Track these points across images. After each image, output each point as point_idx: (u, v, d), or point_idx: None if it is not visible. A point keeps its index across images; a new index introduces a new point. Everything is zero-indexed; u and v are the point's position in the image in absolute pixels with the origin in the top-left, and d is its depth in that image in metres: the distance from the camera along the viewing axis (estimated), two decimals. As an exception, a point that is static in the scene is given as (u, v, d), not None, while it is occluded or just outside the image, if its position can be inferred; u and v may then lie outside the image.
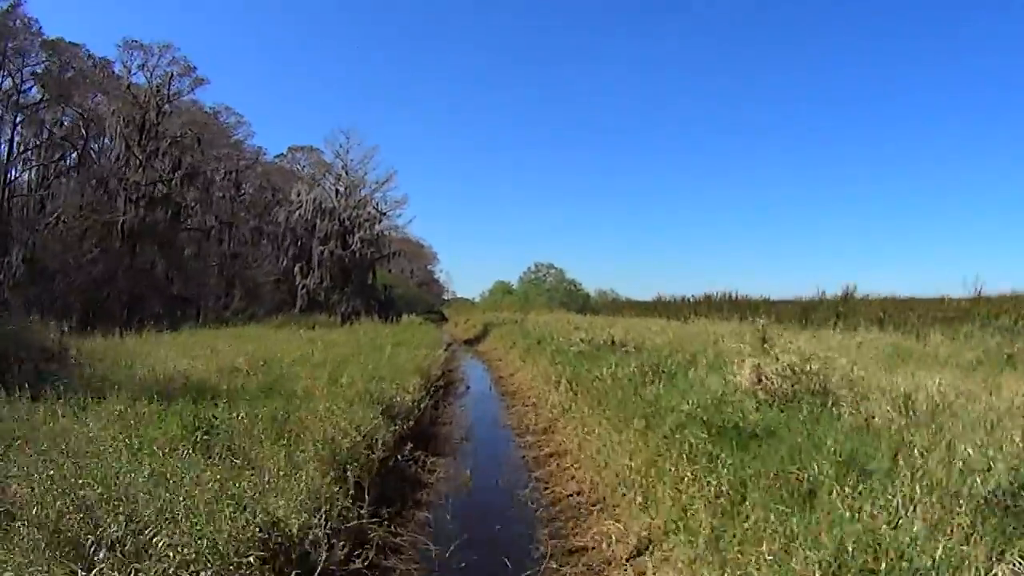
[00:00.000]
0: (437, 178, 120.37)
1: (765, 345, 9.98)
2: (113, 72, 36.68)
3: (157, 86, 33.41)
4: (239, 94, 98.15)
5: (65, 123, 38.39)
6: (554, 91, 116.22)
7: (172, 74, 32.42)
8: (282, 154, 56.95)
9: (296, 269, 32.53)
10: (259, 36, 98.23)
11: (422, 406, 10.86)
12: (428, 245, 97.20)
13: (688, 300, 39.16)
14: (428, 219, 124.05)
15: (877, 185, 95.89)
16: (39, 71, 35.14)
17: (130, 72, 34.52)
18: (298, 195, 33.29)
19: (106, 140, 37.12)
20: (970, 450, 4.84)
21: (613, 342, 15.26)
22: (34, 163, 36.70)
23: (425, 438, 10.06)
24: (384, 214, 33.50)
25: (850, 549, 3.66)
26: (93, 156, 36.52)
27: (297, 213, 33.08)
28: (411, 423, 9.70)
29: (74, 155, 38.30)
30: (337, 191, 33.37)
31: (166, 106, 33.90)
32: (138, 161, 33.22)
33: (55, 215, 30.14)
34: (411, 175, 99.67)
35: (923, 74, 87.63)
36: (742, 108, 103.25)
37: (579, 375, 11.34)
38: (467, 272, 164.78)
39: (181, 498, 4.30)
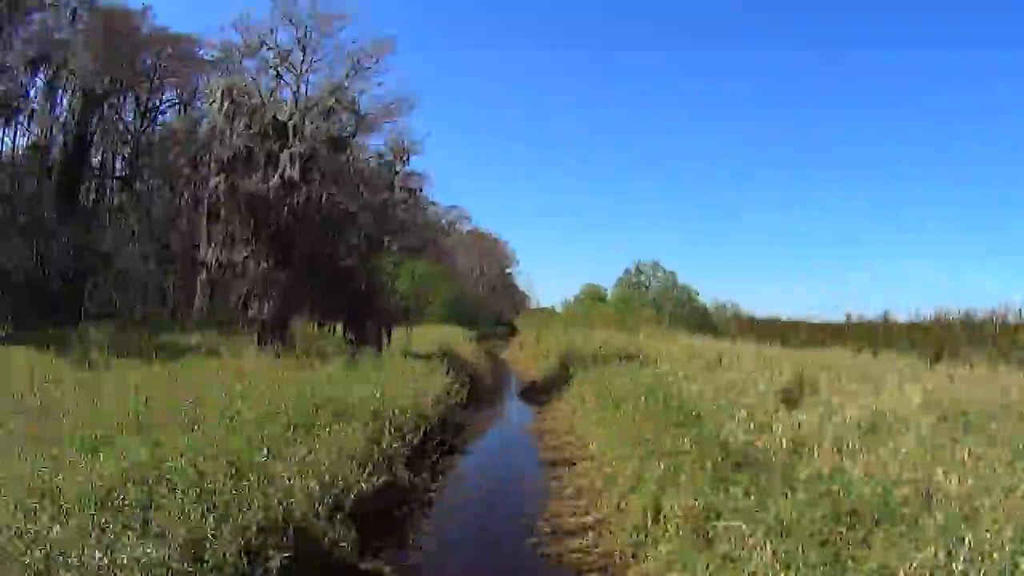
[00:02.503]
0: (519, 175, 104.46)
1: None
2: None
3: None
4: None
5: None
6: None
7: None
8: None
9: (205, 232, 16.09)
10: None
11: None
12: (504, 241, 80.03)
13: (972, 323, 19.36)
14: (510, 222, 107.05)
15: None
16: None
17: None
18: (210, 94, 17.03)
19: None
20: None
21: None
22: None
23: None
24: (360, 115, 16.29)
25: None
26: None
27: (205, 124, 16.85)
28: None
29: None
30: (277, 74, 16.71)
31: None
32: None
33: None
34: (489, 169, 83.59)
35: None
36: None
37: None
38: (553, 283, 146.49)
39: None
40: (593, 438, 9.11)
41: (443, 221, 73.12)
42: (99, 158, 30.35)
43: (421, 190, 24.22)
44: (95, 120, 27.48)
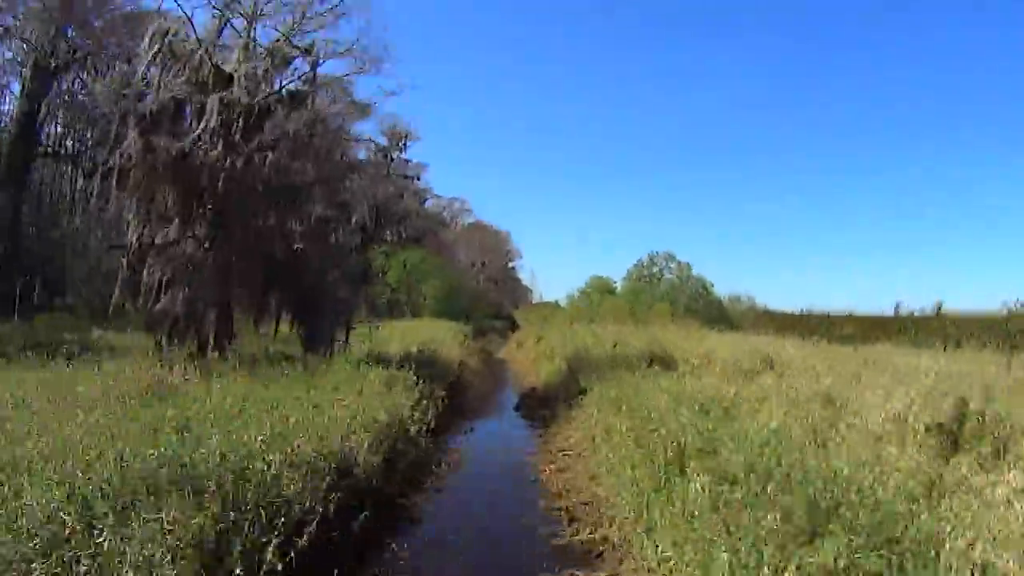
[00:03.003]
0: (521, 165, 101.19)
1: None
2: None
3: None
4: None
5: None
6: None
7: None
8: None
9: (116, 205, 13.11)
10: None
11: None
12: (506, 232, 76.60)
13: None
14: (512, 213, 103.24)
15: None
16: None
17: None
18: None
19: None
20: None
21: None
22: None
23: None
24: (318, 60, 13.12)
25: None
26: None
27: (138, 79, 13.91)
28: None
29: None
30: (223, 16, 13.60)
31: None
32: None
33: None
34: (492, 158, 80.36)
35: None
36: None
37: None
38: (555, 278, 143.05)
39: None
40: (637, 514, 5.69)
41: (444, 213, 70.02)
42: (72, 143, 27.66)
43: (419, 178, 20.96)
44: (53, 96, 24.57)
